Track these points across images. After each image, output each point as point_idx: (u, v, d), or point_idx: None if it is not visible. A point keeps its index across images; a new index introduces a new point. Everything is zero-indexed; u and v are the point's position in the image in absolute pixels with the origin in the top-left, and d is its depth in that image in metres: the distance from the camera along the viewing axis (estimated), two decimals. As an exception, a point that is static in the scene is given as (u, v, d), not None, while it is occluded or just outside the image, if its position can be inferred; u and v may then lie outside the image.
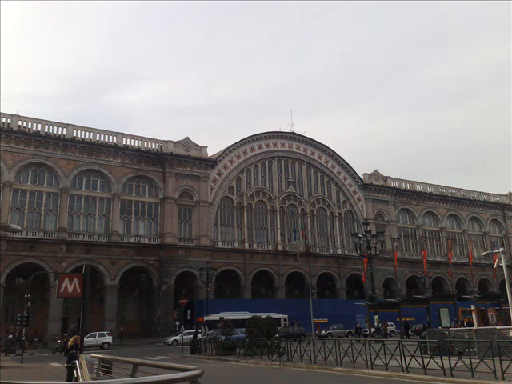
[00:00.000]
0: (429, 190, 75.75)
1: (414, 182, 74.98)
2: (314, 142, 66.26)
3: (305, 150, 65.42)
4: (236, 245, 56.69)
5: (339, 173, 67.44)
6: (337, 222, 65.17)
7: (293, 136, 64.69)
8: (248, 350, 25.74)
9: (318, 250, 61.98)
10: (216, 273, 45.72)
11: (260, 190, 60.63)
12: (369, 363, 17.96)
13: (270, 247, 58.88)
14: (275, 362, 22.53)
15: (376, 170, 70.86)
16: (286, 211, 61.44)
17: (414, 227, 72.28)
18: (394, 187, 71.18)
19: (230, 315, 39.99)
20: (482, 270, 74.60)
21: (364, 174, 69.40)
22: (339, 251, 63.49)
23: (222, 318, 38.73)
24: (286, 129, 64.81)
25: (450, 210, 76.60)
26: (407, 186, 73.83)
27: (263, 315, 31.36)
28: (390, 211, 69.36)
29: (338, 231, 64.79)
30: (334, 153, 67.65)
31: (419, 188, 74.99)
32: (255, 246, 57.83)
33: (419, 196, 73.71)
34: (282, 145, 63.83)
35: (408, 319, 45.33)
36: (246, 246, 56.87)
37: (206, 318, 41.77)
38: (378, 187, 69.19)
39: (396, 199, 70.93)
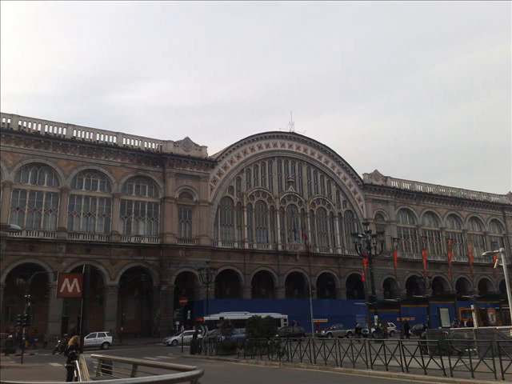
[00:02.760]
0: (429, 189, 75.78)
1: (414, 182, 75.01)
2: (314, 142, 66.27)
3: (305, 150, 65.43)
4: (236, 245, 56.70)
5: (339, 173, 67.44)
6: (337, 222, 65.17)
7: (293, 136, 64.70)
8: (248, 350, 25.75)
9: (318, 250, 61.99)
10: (216, 273, 45.75)
11: (260, 190, 60.64)
12: (369, 363, 17.96)
13: (270, 247, 58.88)
14: (275, 362, 22.53)
15: (376, 170, 70.88)
16: (286, 211, 61.44)
17: (414, 227, 72.29)
18: (394, 187, 71.20)
19: (230, 315, 39.94)
20: (482, 270, 74.60)
21: (364, 174, 69.43)
22: (339, 251, 63.49)
23: (222, 317, 38.71)
24: (285, 129, 64.99)
25: (450, 210, 76.62)
26: (407, 186, 73.86)
27: (263, 315, 31.35)
28: (390, 211, 69.37)
29: (338, 231, 64.79)
30: (334, 153, 67.67)
31: (419, 188, 75.01)
32: (255, 246, 57.83)
33: (419, 196, 73.73)
34: (282, 145, 63.84)
35: (408, 319, 45.32)
36: (246, 246, 56.89)
37: (206, 318, 41.85)
38: (378, 187, 69.21)
39: (396, 199, 70.94)
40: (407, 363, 16.45)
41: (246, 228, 57.81)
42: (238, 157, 59.76)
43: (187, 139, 56.36)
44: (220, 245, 55.58)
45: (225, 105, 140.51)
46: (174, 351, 33.03)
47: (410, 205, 72.67)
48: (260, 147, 61.80)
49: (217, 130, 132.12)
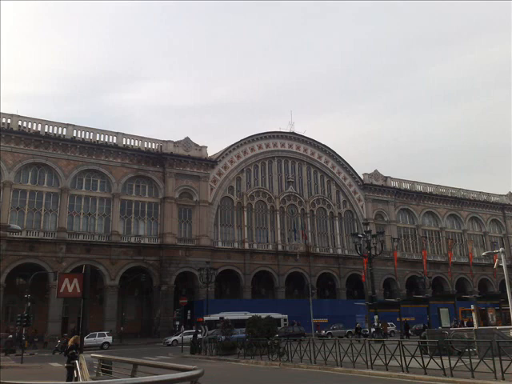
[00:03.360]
0: (429, 189, 75.77)
1: (414, 182, 75.00)
2: (314, 142, 66.26)
3: (305, 150, 65.43)
4: (236, 245, 56.69)
5: (339, 173, 67.44)
6: (337, 222, 65.17)
7: (293, 136, 64.70)
8: (248, 350, 25.74)
9: (318, 250, 61.98)
10: (216, 273, 45.75)
11: (260, 190, 60.63)
12: (369, 363, 17.96)
13: (270, 247, 58.87)
14: (275, 362, 22.52)
15: (376, 170, 70.87)
16: (286, 211, 61.43)
17: (414, 227, 72.28)
18: (394, 187, 71.20)
19: (230, 315, 39.94)
20: (482, 270, 74.59)
21: (364, 174, 69.42)
22: (339, 251, 63.49)
23: (222, 317, 38.71)
24: (286, 129, 64.98)
25: (450, 210, 76.61)
26: (407, 186, 73.85)
27: (263, 315, 31.34)
28: (390, 211, 69.36)
29: (338, 231, 64.78)
30: (334, 153, 67.67)
31: (419, 188, 75.01)
32: (255, 246, 57.82)
33: (419, 196, 73.72)
34: (282, 145, 63.84)
35: (408, 319, 45.31)
36: (246, 246, 56.88)
37: (206, 318, 41.84)
38: (378, 187, 69.20)
39: (396, 199, 70.93)
40: (407, 363, 16.44)
41: (246, 228, 57.80)
42: (238, 157, 59.76)
43: (187, 139, 56.36)
44: (220, 245, 55.58)
45: (225, 105, 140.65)
46: (174, 351, 33.03)
47: (410, 205, 72.66)
48: (260, 147, 61.80)
49: (217, 129, 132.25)
